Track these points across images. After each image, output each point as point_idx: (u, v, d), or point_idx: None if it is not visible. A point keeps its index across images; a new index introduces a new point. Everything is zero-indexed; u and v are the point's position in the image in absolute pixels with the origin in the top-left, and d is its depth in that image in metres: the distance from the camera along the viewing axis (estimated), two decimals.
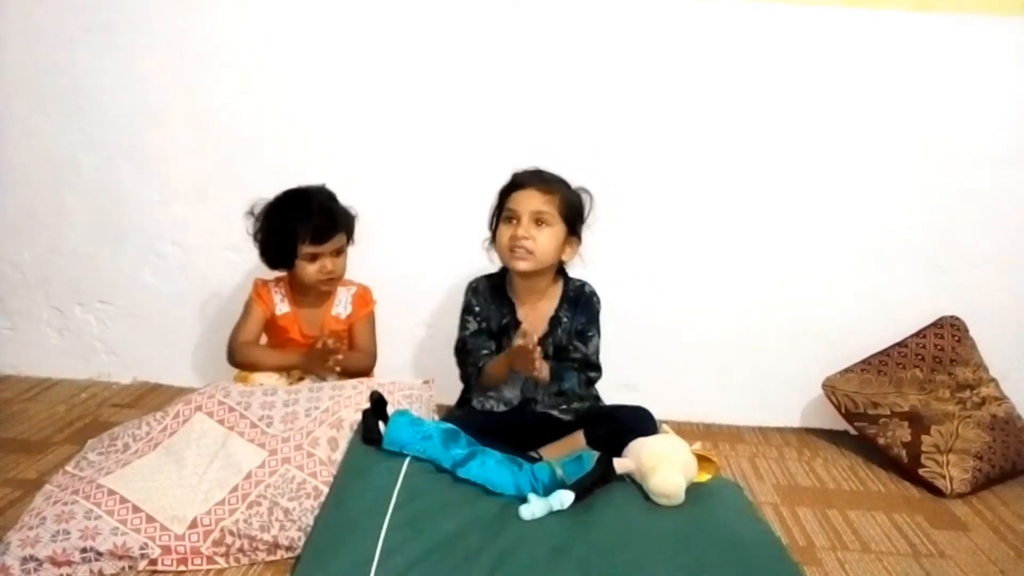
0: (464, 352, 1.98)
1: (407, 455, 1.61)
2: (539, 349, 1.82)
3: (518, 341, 1.81)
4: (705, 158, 2.27)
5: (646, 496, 1.61)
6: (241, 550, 1.56)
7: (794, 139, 2.25)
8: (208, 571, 1.53)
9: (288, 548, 1.57)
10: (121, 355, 2.44)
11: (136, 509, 1.56)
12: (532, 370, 1.81)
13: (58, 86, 2.27)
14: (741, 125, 2.25)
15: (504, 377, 1.93)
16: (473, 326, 1.99)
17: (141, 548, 1.51)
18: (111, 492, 1.58)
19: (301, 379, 2.01)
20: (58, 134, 2.31)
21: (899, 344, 2.26)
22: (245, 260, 2.29)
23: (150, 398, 2.32)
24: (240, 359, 2.02)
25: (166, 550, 1.52)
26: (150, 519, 1.55)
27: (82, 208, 2.35)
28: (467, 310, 2.01)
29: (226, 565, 1.54)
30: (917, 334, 2.26)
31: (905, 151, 2.25)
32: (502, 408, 1.97)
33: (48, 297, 2.42)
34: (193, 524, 1.55)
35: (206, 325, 2.40)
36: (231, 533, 1.55)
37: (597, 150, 2.24)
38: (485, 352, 1.96)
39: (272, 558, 1.57)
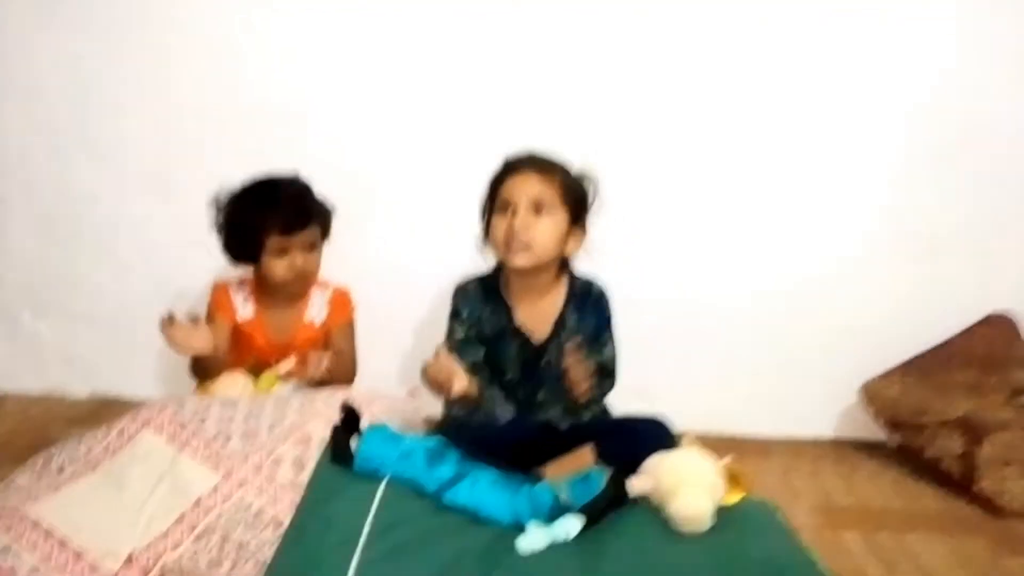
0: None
1: (383, 477, 1.36)
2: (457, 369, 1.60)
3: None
4: (728, 143, 2.07)
5: (666, 522, 1.36)
6: None
7: (826, 124, 2.06)
8: None
9: None
10: (77, 366, 2.22)
11: (63, 544, 1.32)
12: (447, 392, 1.59)
13: (3, 69, 2.05)
14: (769, 106, 2.05)
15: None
16: (460, 333, 1.75)
17: None
18: (35, 524, 1.35)
19: (268, 389, 1.76)
20: (4, 121, 2.08)
21: (944, 344, 2.04)
22: (213, 257, 2.03)
23: (108, 413, 2.06)
24: (200, 371, 1.80)
25: None
26: (77, 557, 1.31)
27: (30, 203, 2.12)
28: (454, 315, 1.78)
29: None
30: (964, 333, 2.05)
31: (946, 134, 2.04)
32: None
33: None
34: (129, 561, 1.31)
35: None
36: (173, 572, 1.31)
37: (603, 131, 2.02)
38: (469, 362, 1.71)
39: None
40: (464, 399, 1.67)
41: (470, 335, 1.75)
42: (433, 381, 1.60)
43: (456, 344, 1.74)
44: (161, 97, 2.06)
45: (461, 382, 1.61)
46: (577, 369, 1.60)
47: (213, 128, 2.07)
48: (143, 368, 2.19)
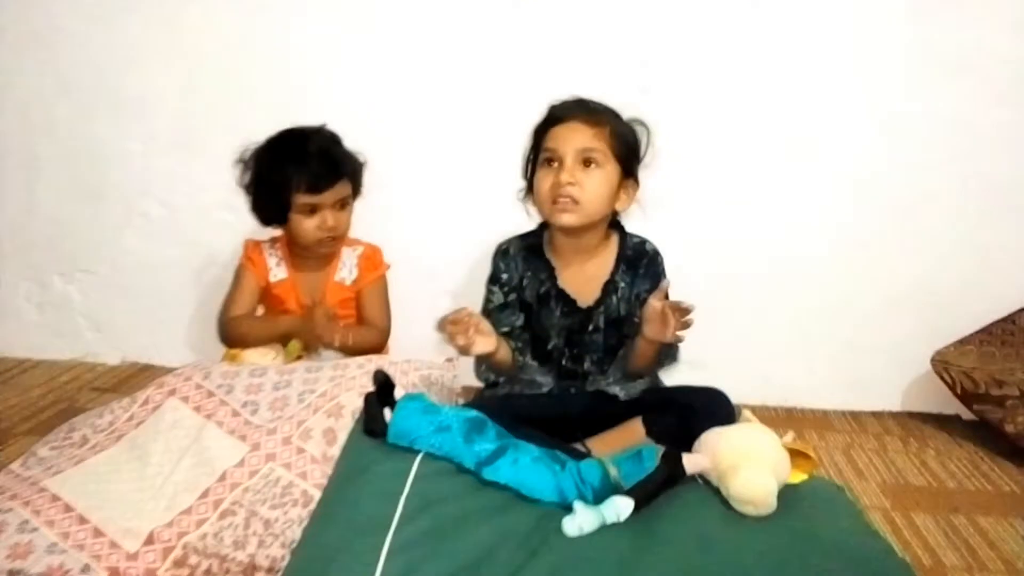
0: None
1: (418, 451, 1.26)
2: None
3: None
4: (786, 94, 1.88)
5: (726, 503, 1.25)
6: (208, 572, 1.23)
7: (885, 73, 1.86)
8: None
9: (269, 570, 1.24)
10: (107, 332, 2.16)
11: (82, 520, 1.25)
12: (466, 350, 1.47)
13: (24, 19, 1.96)
14: (826, 56, 1.86)
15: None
16: (498, 298, 1.64)
17: (82, 570, 1.19)
18: (55, 498, 1.28)
19: (300, 358, 1.68)
20: (27, 76, 2.00)
21: None
22: (242, 221, 1.95)
23: (138, 380, 2.03)
24: (231, 335, 1.72)
25: (114, 573, 1.20)
26: (97, 533, 1.24)
27: (57, 163, 2.05)
28: (492, 279, 1.66)
29: None
30: None
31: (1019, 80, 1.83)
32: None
33: (24, 267, 2.13)
34: (149, 540, 1.23)
35: (201, 297, 2.09)
36: (196, 551, 1.23)
37: (651, 78, 1.86)
38: (506, 330, 1.60)
39: None
40: (492, 363, 1.56)
41: (509, 300, 1.63)
42: (450, 339, 1.47)
43: (494, 310, 1.63)
44: (185, 53, 1.96)
45: (484, 345, 1.48)
46: (675, 313, 1.42)
47: (238, 83, 1.96)
48: (173, 334, 2.12)
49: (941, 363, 1.87)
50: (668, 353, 1.57)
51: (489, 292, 1.65)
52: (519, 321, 1.63)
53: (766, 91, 1.88)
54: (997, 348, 1.84)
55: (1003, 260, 1.91)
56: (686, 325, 1.43)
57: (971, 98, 1.84)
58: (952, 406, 1.94)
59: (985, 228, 1.91)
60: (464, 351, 1.49)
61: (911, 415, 1.99)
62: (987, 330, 1.87)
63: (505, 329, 1.60)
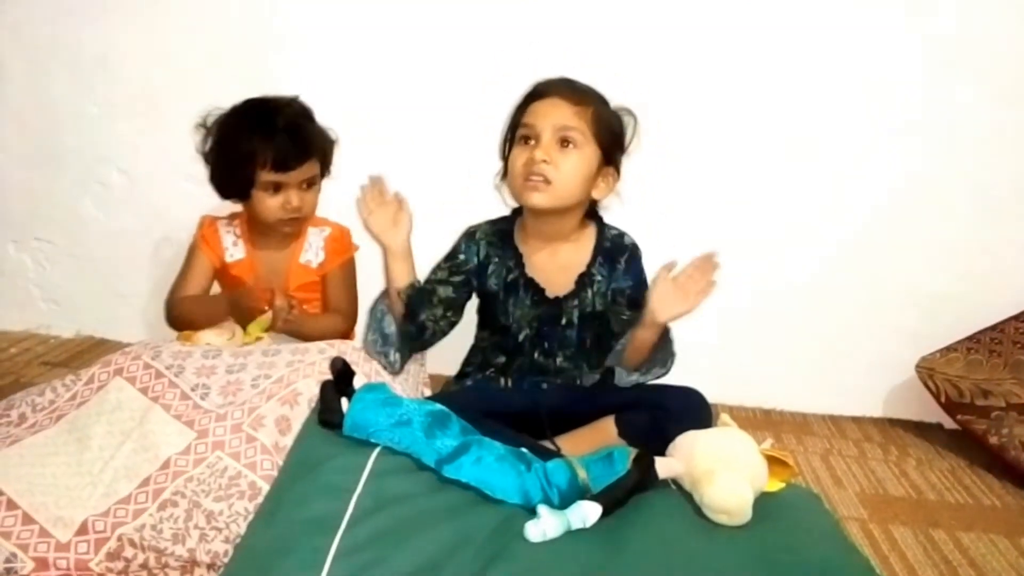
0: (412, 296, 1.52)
1: (376, 445, 1.19)
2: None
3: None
4: (773, 87, 1.82)
5: (699, 511, 1.18)
6: (145, 566, 1.15)
7: (880, 67, 1.80)
8: None
9: (210, 566, 1.16)
10: (62, 304, 2.06)
11: (11, 504, 1.16)
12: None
13: None
14: (822, 46, 1.79)
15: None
16: (442, 273, 1.55)
17: (7, 561, 1.11)
18: None
19: (258, 339, 1.58)
20: None
21: (1016, 317, 1.81)
22: (206, 192, 1.84)
23: (91, 356, 1.94)
24: (176, 318, 1.63)
25: (41, 564, 1.11)
26: (27, 519, 1.15)
27: (12, 125, 1.94)
28: (447, 257, 1.58)
29: None
30: None
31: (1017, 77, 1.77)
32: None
33: None
34: (83, 529, 1.14)
35: (161, 271, 1.99)
36: (132, 544, 1.14)
37: (643, 65, 1.78)
38: (417, 288, 1.52)
39: None
40: (390, 287, 1.52)
41: (453, 280, 1.54)
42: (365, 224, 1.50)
43: (430, 278, 1.55)
44: (150, 9, 1.85)
45: (392, 238, 1.49)
46: (702, 267, 1.39)
47: (206, 45, 1.86)
48: (131, 309, 2.03)
49: (926, 370, 1.81)
50: (661, 359, 1.49)
51: (436, 267, 1.57)
52: (446, 292, 1.53)
53: (763, 100, 1.82)
54: (984, 357, 1.78)
55: (992, 267, 1.86)
56: (711, 284, 1.39)
57: (966, 102, 1.78)
58: (934, 414, 1.89)
59: (975, 234, 1.85)
60: (365, 220, 1.49)
61: (892, 422, 1.93)
62: (974, 338, 1.81)
63: (428, 293, 1.52)
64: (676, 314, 1.41)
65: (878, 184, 1.84)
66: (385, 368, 1.48)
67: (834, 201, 1.86)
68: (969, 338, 1.82)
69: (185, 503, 1.18)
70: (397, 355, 1.50)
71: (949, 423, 1.85)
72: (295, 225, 1.64)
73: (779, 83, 1.81)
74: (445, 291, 1.53)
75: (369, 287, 1.76)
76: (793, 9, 1.77)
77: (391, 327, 1.52)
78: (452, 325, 1.55)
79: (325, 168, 1.65)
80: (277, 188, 1.57)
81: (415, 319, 1.50)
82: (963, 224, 1.85)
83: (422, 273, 1.54)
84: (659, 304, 1.40)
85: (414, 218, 1.52)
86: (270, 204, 1.58)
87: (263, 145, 1.54)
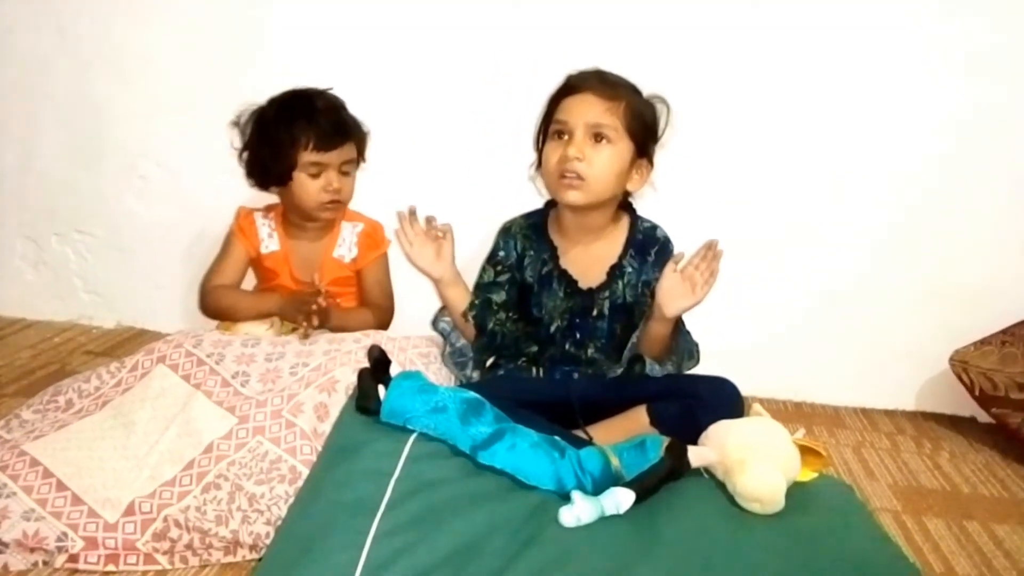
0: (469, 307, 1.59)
1: (412, 432, 1.21)
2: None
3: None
4: (803, 75, 1.79)
5: (732, 500, 1.19)
6: (189, 547, 1.19)
7: (917, 64, 1.77)
8: (145, 573, 1.17)
9: (252, 547, 1.20)
10: (103, 295, 2.10)
11: (61, 486, 1.21)
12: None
13: None
14: (846, 33, 1.76)
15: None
16: (489, 275, 1.60)
17: (58, 539, 1.15)
18: (34, 462, 1.24)
19: (295, 330, 1.62)
20: (28, 31, 1.94)
21: None
22: (244, 185, 1.89)
23: (132, 345, 1.97)
24: (211, 305, 1.67)
25: (91, 543, 1.16)
26: (76, 500, 1.20)
27: (57, 121, 1.99)
28: (489, 257, 1.63)
29: (168, 566, 1.18)
30: None
31: None
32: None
33: (21, 226, 2.08)
34: (130, 510, 1.19)
35: (200, 262, 1.99)
36: (177, 524, 1.18)
37: (643, 65, 1.77)
38: (477, 303, 1.58)
39: (230, 559, 1.20)
40: (448, 306, 1.60)
41: (500, 279, 1.58)
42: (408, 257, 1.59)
43: (482, 285, 1.60)
44: (190, 10, 1.89)
45: (440, 269, 1.57)
46: (706, 257, 1.42)
47: (243, 44, 1.89)
48: (170, 299, 2.06)
49: (960, 363, 1.79)
50: (687, 350, 1.51)
51: (482, 270, 1.61)
52: (500, 297, 1.57)
53: (788, 74, 1.80)
54: (1019, 350, 1.76)
55: None
56: (714, 274, 1.40)
57: (1000, 99, 1.75)
58: (968, 408, 1.87)
59: (1010, 227, 1.82)
60: (408, 254, 1.58)
61: (925, 415, 1.92)
62: (1009, 331, 1.79)
63: (478, 303, 1.58)
64: (683, 307, 1.43)
65: (911, 179, 1.81)
66: (459, 379, 1.58)
67: (866, 196, 1.84)
68: (1004, 331, 1.79)
69: (228, 486, 1.21)
70: (475, 373, 1.59)
71: (983, 416, 1.83)
72: (334, 210, 1.66)
73: (811, 78, 1.80)
74: (499, 296, 1.58)
75: (400, 281, 1.80)
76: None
77: (460, 340, 1.61)
78: (517, 323, 1.58)
79: (360, 155, 1.69)
80: (318, 172, 1.61)
81: (484, 331, 1.56)
82: (998, 217, 1.82)
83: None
84: (666, 298, 1.42)
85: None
86: (311, 187, 1.61)
87: (305, 127, 1.58)
